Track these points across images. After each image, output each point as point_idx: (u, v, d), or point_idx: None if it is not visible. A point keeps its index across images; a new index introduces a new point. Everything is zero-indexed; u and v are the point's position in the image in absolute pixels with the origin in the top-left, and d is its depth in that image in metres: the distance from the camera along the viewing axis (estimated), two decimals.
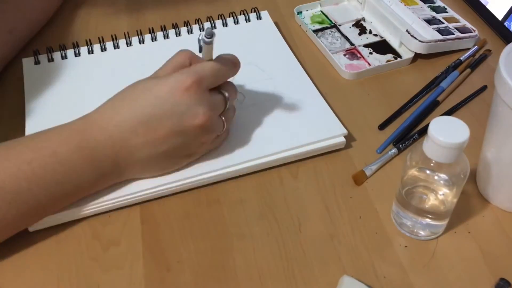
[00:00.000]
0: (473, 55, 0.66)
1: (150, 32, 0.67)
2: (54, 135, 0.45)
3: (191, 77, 0.46)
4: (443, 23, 0.68)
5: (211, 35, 0.46)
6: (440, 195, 0.45)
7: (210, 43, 0.47)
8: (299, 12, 0.73)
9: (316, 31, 0.70)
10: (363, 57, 0.66)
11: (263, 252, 0.46)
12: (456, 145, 0.39)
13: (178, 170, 0.50)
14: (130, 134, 0.46)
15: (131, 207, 0.49)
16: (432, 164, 0.41)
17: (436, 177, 0.43)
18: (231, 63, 0.50)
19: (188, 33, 0.67)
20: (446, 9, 0.71)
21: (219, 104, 0.49)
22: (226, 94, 0.49)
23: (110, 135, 0.45)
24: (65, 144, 0.45)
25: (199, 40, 0.47)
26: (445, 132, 0.39)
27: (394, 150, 0.54)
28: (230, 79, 0.51)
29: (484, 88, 0.61)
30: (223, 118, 0.50)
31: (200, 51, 0.48)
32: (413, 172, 0.44)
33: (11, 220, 0.43)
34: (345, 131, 0.54)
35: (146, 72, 0.50)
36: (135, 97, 0.46)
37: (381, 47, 0.67)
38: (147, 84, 0.47)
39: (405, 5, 0.69)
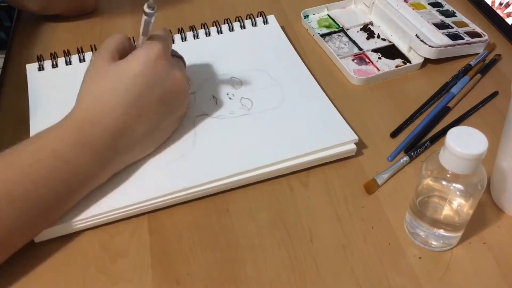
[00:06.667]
0: (483, 60, 0.65)
1: None
2: (51, 136, 0.45)
3: (158, 47, 0.48)
4: (452, 27, 0.67)
5: (152, 7, 0.47)
6: (456, 206, 0.44)
7: (151, 15, 0.47)
8: (306, 16, 0.72)
9: (323, 36, 0.69)
10: (372, 62, 0.65)
11: (275, 264, 0.45)
12: (475, 156, 0.38)
13: (167, 138, 0.53)
14: (124, 119, 0.47)
15: (139, 216, 0.49)
16: (448, 175, 0.40)
17: (452, 188, 0.42)
18: (167, 32, 0.53)
19: (194, 38, 0.66)
20: (455, 13, 0.70)
21: (182, 65, 0.54)
22: (180, 55, 0.55)
23: (105, 128, 0.46)
24: (63, 142, 0.44)
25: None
26: (463, 142, 0.38)
27: (405, 158, 0.53)
28: None
29: (495, 94, 0.60)
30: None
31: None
32: (428, 181, 0.43)
33: (22, 227, 0.43)
34: (356, 138, 0.53)
35: None
36: (114, 84, 0.47)
37: (390, 52, 0.66)
38: (117, 68, 0.47)
39: (413, 9, 0.68)
